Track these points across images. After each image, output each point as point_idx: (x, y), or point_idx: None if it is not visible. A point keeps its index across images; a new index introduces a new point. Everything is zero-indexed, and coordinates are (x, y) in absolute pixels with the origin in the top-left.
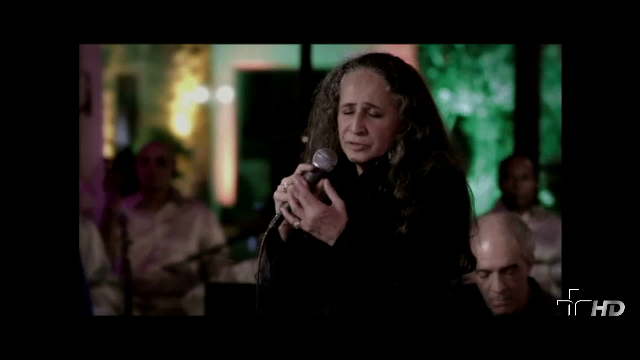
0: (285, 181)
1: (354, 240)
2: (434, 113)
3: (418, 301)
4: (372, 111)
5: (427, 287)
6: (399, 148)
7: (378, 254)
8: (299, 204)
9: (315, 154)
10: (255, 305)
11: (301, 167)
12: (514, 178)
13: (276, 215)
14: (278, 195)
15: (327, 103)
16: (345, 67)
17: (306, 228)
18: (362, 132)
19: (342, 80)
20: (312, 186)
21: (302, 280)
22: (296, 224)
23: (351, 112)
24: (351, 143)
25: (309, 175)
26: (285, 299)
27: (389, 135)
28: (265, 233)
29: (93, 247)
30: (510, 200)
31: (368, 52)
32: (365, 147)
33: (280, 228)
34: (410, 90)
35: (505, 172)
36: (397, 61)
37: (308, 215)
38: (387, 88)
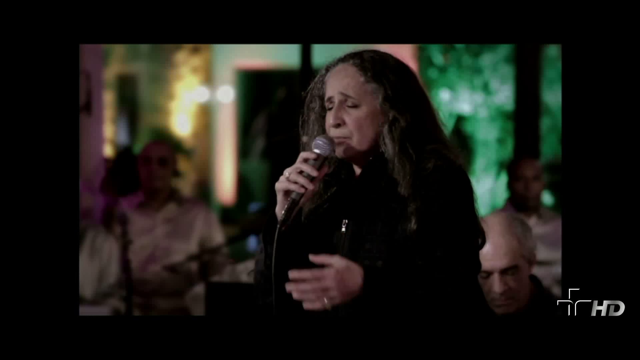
0: (287, 171)
1: (380, 283)
2: (418, 102)
3: (450, 298)
4: (348, 102)
5: (459, 280)
6: (387, 140)
7: (405, 286)
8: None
9: (314, 141)
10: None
11: (303, 155)
12: (525, 179)
13: (286, 208)
14: (280, 185)
15: (314, 103)
16: (328, 67)
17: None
18: (339, 123)
19: (325, 79)
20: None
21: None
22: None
23: (332, 108)
24: (334, 138)
25: (311, 163)
26: (275, 292)
27: (368, 126)
28: (278, 225)
29: (112, 262)
30: (520, 202)
31: (352, 50)
32: (345, 140)
33: (279, 214)
34: (385, 78)
35: (515, 174)
36: (376, 53)
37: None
38: (361, 79)
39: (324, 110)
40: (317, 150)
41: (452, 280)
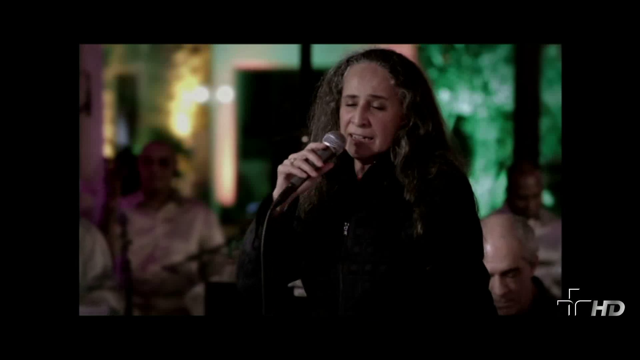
0: (292, 157)
1: None
2: (436, 110)
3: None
4: (375, 104)
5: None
6: (402, 143)
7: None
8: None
9: (326, 134)
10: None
11: (312, 145)
12: (526, 197)
13: (282, 190)
14: (283, 168)
15: (330, 96)
16: (349, 60)
17: None
18: (365, 124)
19: (345, 73)
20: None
21: (284, 262)
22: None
23: (354, 105)
24: (353, 136)
25: (319, 153)
26: (263, 272)
27: (391, 128)
28: (272, 206)
29: (96, 253)
30: (520, 213)
31: (372, 47)
32: (367, 140)
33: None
34: (414, 85)
35: (517, 191)
36: (401, 57)
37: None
38: (392, 82)
39: (338, 104)
40: (327, 144)
41: (461, 285)
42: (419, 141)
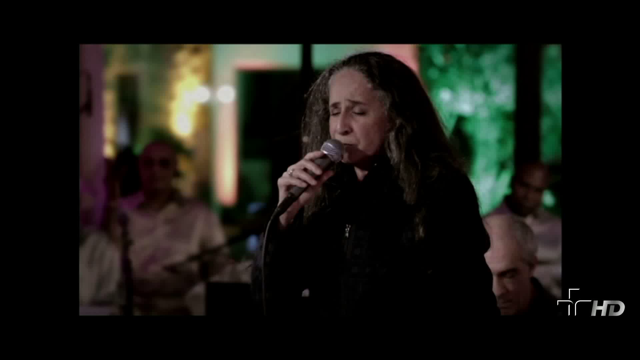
0: (291, 168)
1: None
2: (424, 108)
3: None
4: (356, 109)
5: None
6: (392, 146)
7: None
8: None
9: (324, 143)
10: (262, 295)
11: (310, 154)
12: (527, 187)
13: (282, 200)
14: (282, 181)
15: (317, 106)
16: (332, 69)
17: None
18: (347, 130)
19: (329, 82)
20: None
21: (297, 273)
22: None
23: (338, 113)
24: None
25: (317, 162)
26: (275, 290)
27: (375, 133)
28: (272, 217)
29: (113, 270)
30: (517, 206)
31: (355, 52)
32: (352, 147)
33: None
34: (392, 85)
35: (520, 179)
36: (382, 57)
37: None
38: (369, 85)
39: (327, 113)
40: (325, 152)
41: (465, 288)
42: (410, 141)
